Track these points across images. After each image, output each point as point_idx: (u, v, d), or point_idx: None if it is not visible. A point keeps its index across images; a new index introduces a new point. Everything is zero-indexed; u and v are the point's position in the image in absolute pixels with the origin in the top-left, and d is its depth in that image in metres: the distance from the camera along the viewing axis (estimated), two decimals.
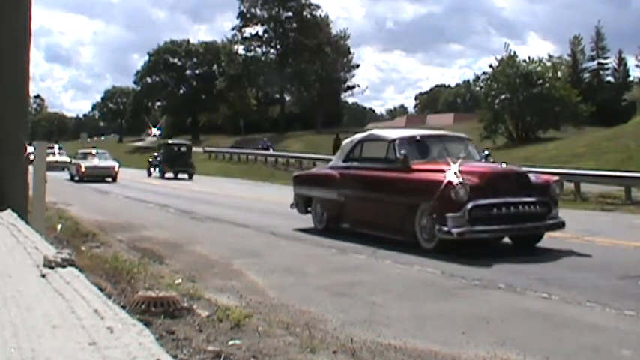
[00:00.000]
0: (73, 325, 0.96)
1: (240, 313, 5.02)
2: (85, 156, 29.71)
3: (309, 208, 11.16)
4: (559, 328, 4.92)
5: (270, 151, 39.17)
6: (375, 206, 9.51)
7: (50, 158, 35.18)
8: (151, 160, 34.05)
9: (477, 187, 8.06)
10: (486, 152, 10.05)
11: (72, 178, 28.70)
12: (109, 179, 27.56)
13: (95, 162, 28.79)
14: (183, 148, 33.27)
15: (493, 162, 10.46)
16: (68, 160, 37.17)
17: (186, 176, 30.83)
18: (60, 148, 41.66)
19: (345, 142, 11.22)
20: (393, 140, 9.63)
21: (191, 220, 12.96)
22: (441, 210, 8.01)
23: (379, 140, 10.21)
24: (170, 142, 36.33)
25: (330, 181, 10.57)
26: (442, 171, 8.44)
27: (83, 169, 27.89)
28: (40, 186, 6.32)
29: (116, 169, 28.42)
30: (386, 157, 9.53)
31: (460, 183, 7.95)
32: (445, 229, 7.93)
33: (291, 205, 11.64)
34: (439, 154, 9.49)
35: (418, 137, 10.16)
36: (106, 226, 11.43)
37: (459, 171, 8.29)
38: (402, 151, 9.22)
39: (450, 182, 8.01)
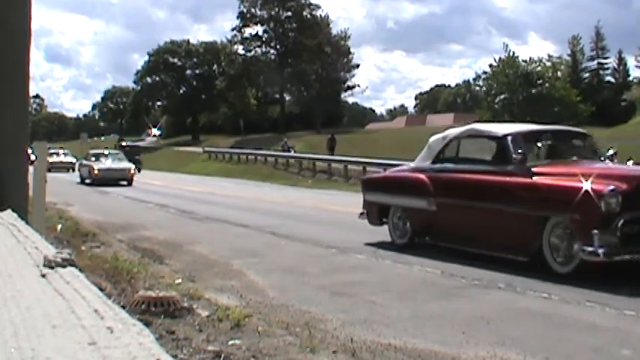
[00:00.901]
0: (73, 325, 0.96)
1: (240, 313, 5.02)
2: (97, 157, 27.00)
3: (384, 219, 9.30)
4: (559, 328, 4.92)
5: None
6: (481, 219, 7.74)
7: (54, 159, 35.04)
8: None
9: (629, 195, 6.38)
10: (611, 151, 8.35)
11: (83, 181, 26.14)
12: (124, 182, 24.79)
13: (108, 163, 26.05)
14: (134, 148, 45.16)
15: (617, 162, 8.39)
16: (73, 160, 36.88)
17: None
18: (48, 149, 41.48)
19: (432, 138, 9.17)
20: (505, 136, 7.84)
21: (191, 220, 12.96)
22: (585, 225, 6.40)
23: (484, 136, 8.49)
24: (123, 144, 47.16)
25: (416, 186, 8.70)
26: (580, 175, 6.82)
27: (96, 171, 25.13)
28: (40, 186, 6.33)
29: (132, 171, 25.60)
30: (495, 157, 7.89)
31: (611, 191, 6.33)
32: (589, 249, 6.30)
33: (360, 215, 9.73)
34: (563, 154, 8.07)
35: (536, 132, 8.34)
36: (106, 226, 11.44)
37: (603, 175, 6.76)
38: (519, 150, 7.51)
39: (597, 190, 6.39)
